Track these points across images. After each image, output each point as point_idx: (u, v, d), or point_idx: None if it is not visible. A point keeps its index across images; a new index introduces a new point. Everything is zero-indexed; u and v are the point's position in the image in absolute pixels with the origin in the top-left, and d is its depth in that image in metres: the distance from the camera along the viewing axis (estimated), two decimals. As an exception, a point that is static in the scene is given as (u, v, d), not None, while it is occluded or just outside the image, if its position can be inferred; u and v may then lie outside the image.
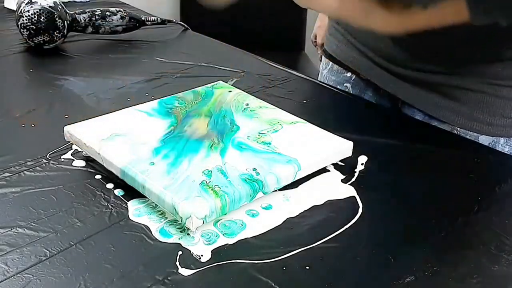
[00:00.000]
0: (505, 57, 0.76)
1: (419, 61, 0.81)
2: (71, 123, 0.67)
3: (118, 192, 0.61)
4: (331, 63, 0.99)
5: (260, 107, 0.73)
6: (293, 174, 0.61)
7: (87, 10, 1.00)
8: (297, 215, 0.59)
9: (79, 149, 0.66)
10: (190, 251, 0.54)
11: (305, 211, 0.60)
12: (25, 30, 0.93)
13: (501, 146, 0.80)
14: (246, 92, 0.77)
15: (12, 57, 0.95)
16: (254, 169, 0.60)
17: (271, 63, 0.97)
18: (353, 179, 0.66)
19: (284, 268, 0.52)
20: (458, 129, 0.81)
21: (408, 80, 0.84)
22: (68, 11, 0.97)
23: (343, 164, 0.68)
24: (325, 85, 0.91)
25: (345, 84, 0.95)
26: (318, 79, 1.00)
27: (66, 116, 0.75)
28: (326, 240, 0.56)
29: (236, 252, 0.54)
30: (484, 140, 0.80)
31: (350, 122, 0.78)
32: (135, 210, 0.59)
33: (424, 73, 0.81)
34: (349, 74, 0.95)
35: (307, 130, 0.69)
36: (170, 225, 0.57)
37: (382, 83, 0.88)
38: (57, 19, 0.94)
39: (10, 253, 0.52)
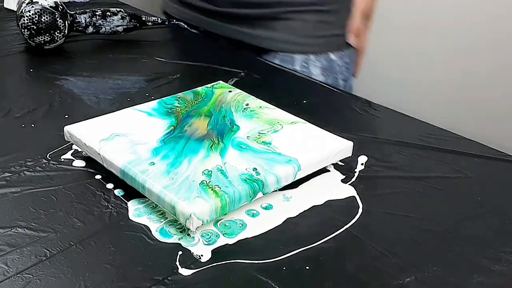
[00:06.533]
0: None
1: None
2: (71, 123, 0.67)
3: (118, 192, 0.61)
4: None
5: (260, 107, 0.73)
6: (293, 174, 0.61)
7: (87, 10, 1.00)
8: (297, 215, 0.59)
9: (79, 149, 0.66)
10: (190, 251, 0.54)
11: (305, 211, 0.60)
12: (26, 30, 0.93)
13: (312, 62, 1.00)
14: (246, 92, 0.77)
15: (12, 57, 0.95)
16: (254, 169, 0.60)
17: (271, 63, 0.97)
18: (353, 179, 0.66)
19: (284, 268, 0.52)
20: (280, 53, 1.00)
21: (235, 20, 1.00)
22: (69, 11, 0.97)
23: (343, 164, 0.68)
24: (325, 85, 0.91)
25: None
26: None
27: (66, 116, 0.75)
28: (326, 240, 0.56)
29: (236, 252, 0.54)
30: (299, 58, 1.00)
31: (350, 122, 0.79)
32: (135, 210, 0.59)
33: (246, 9, 0.99)
34: (192, 31, 1.09)
35: (307, 130, 0.69)
36: (170, 225, 0.57)
37: (218, 30, 1.03)
38: (58, 19, 0.94)
39: (10, 253, 0.52)
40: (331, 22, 1.00)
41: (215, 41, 1.05)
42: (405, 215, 0.61)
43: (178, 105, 0.73)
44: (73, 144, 0.67)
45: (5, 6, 1.14)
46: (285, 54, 1.00)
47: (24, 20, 0.93)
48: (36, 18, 0.92)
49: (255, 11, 0.98)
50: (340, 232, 0.57)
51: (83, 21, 0.99)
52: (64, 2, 0.98)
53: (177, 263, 0.52)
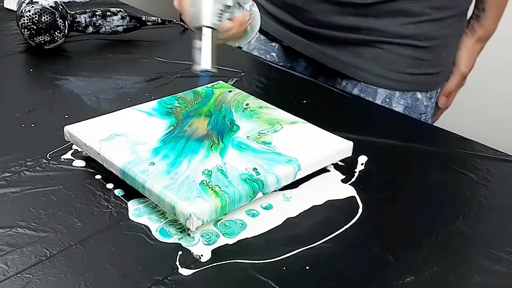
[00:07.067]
0: (408, 14, 0.85)
1: (332, 13, 0.88)
2: (71, 123, 0.67)
3: (118, 192, 0.61)
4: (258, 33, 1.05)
5: (260, 107, 0.73)
6: (293, 174, 0.61)
7: (87, 10, 1.00)
8: (297, 215, 0.59)
9: (79, 149, 0.66)
10: (190, 251, 0.54)
11: (305, 211, 0.60)
12: (26, 30, 0.93)
13: (396, 99, 0.90)
14: (246, 92, 0.77)
15: (12, 57, 0.95)
16: (254, 169, 0.60)
17: (271, 63, 0.97)
18: (353, 179, 0.66)
19: (284, 268, 0.52)
20: (362, 83, 0.91)
21: (321, 40, 0.92)
22: (68, 11, 0.97)
23: (343, 164, 0.68)
24: (325, 85, 0.91)
25: (271, 53, 1.03)
26: (245, 49, 1.07)
27: (66, 116, 0.75)
28: (326, 240, 0.56)
29: (236, 252, 0.54)
30: (382, 92, 0.90)
31: (350, 122, 0.78)
32: (135, 210, 0.59)
33: (334, 31, 0.89)
34: (273, 44, 1.02)
35: (307, 130, 0.69)
36: (170, 225, 0.57)
37: (300, 47, 0.96)
38: (58, 19, 0.94)
39: (10, 253, 0.52)
40: (425, 60, 0.89)
41: (296, 60, 1.00)
42: (405, 215, 0.61)
43: (178, 105, 0.73)
44: (73, 144, 0.67)
45: (5, 6, 1.14)
46: (368, 85, 0.90)
47: (24, 20, 0.93)
48: (36, 18, 0.92)
49: (344, 34, 0.89)
50: (340, 232, 0.57)
51: (83, 21, 0.99)
52: (64, 2, 0.98)
53: (177, 263, 0.52)
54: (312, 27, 0.91)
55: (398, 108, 0.89)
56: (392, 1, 0.84)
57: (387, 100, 0.90)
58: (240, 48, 1.03)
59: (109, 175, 0.63)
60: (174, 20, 1.11)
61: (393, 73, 0.89)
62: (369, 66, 0.90)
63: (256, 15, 0.76)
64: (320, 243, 0.56)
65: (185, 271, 0.51)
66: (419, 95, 0.90)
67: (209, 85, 0.78)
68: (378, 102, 0.90)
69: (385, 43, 0.87)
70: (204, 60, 0.65)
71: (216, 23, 0.66)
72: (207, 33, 0.66)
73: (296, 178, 0.62)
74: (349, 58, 0.91)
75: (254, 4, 0.76)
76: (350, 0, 0.85)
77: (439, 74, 0.92)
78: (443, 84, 0.95)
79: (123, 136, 0.65)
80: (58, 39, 0.95)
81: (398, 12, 0.85)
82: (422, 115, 0.92)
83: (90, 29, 1.00)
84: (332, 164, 0.67)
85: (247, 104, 0.74)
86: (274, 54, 1.02)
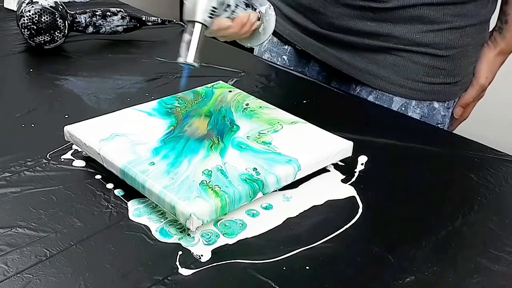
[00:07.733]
0: (427, 21, 0.84)
1: (349, 17, 0.87)
2: (71, 123, 0.67)
3: (118, 192, 0.61)
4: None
5: (260, 107, 0.73)
6: (293, 174, 0.61)
7: (87, 10, 1.00)
8: (297, 215, 0.59)
9: (79, 149, 0.66)
10: (190, 251, 0.54)
11: (305, 211, 0.60)
12: (26, 30, 0.93)
13: (412, 108, 0.88)
14: (246, 92, 0.77)
15: (12, 57, 0.95)
16: (255, 169, 0.60)
17: (271, 63, 0.97)
18: (353, 179, 0.66)
19: (284, 268, 0.52)
20: (377, 90, 0.89)
21: (336, 45, 0.90)
22: (68, 11, 0.97)
23: (343, 164, 0.68)
24: (325, 85, 0.91)
25: (283, 57, 1.01)
26: (256, 52, 1.06)
27: (66, 116, 0.75)
28: (326, 240, 0.56)
29: (236, 252, 0.54)
30: (398, 101, 0.88)
31: (350, 122, 0.78)
32: (135, 210, 0.59)
33: (350, 36, 0.88)
34: (286, 47, 1.01)
35: (307, 130, 0.69)
36: (170, 225, 0.57)
37: (313, 51, 0.95)
38: (58, 19, 0.94)
39: (10, 253, 0.52)
40: (443, 69, 0.86)
41: (308, 63, 0.99)
42: (405, 215, 0.61)
43: (178, 105, 0.73)
44: (73, 144, 0.67)
45: (5, 6, 1.14)
46: (383, 93, 0.89)
47: (24, 20, 0.93)
48: (36, 18, 0.92)
49: (360, 39, 0.87)
50: (340, 232, 0.57)
51: (83, 21, 0.99)
52: (64, 2, 0.98)
53: (177, 263, 0.52)
54: (327, 31, 0.90)
55: (414, 116, 0.88)
56: (411, 7, 0.83)
57: (403, 108, 0.88)
58: (252, 48, 1.03)
59: (109, 175, 0.63)
60: (174, 20, 1.11)
61: (410, 82, 0.87)
62: (385, 73, 0.88)
63: (271, 18, 0.76)
64: (320, 243, 0.56)
65: (185, 271, 0.51)
66: (436, 104, 0.89)
67: (209, 85, 0.78)
68: (394, 110, 0.88)
69: (403, 50, 0.86)
70: (189, 54, 0.65)
71: (207, 19, 0.67)
72: (196, 28, 0.66)
73: (296, 178, 0.62)
74: (365, 65, 0.89)
75: (272, 7, 0.76)
76: (368, 4, 0.83)
77: (457, 84, 0.90)
78: (461, 94, 0.93)
79: (123, 136, 0.65)
80: (58, 39, 0.95)
81: (417, 19, 0.83)
82: (439, 125, 0.90)
83: (90, 29, 1.00)
84: (332, 164, 0.67)
85: (247, 104, 0.74)
86: (285, 57, 1.00)
